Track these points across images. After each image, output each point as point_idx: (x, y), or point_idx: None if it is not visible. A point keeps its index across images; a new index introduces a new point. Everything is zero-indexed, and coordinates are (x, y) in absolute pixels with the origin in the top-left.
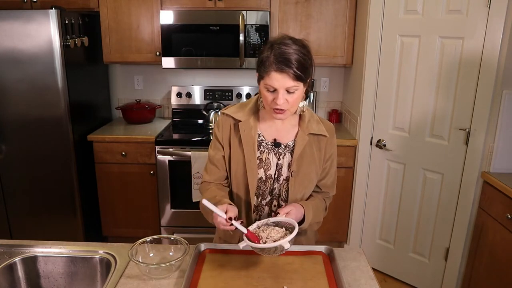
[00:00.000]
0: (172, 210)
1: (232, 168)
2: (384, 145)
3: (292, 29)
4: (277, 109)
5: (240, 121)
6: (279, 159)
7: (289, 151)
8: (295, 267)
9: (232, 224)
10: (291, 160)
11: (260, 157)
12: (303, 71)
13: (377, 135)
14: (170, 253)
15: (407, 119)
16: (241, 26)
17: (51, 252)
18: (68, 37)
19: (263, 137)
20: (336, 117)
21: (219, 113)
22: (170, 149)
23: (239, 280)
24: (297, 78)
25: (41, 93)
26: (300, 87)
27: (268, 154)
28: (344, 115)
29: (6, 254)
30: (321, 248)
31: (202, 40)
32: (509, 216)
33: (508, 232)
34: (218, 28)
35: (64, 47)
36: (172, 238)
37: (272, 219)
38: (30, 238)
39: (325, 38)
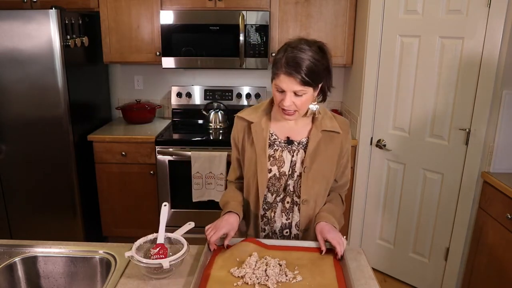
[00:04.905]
0: (172, 210)
1: (246, 166)
2: (384, 145)
3: (292, 29)
4: (284, 109)
5: (253, 122)
6: (293, 156)
7: (303, 147)
8: (304, 262)
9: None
10: (305, 156)
11: (274, 155)
12: (312, 77)
13: (377, 135)
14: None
15: (407, 119)
16: (241, 26)
17: (51, 252)
18: (68, 37)
19: (276, 136)
20: None
21: (235, 116)
22: (170, 149)
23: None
24: (305, 83)
25: (41, 93)
26: (308, 91)
27: (282, 152)
28: (344, 115)
29: (6, 254)
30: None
31: (202, 40)
32: (509, 216)
33: (508, 232)
34: (218, 28)
35: (64, 47)
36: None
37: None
38: (30, 238)
39: (325, 38)
